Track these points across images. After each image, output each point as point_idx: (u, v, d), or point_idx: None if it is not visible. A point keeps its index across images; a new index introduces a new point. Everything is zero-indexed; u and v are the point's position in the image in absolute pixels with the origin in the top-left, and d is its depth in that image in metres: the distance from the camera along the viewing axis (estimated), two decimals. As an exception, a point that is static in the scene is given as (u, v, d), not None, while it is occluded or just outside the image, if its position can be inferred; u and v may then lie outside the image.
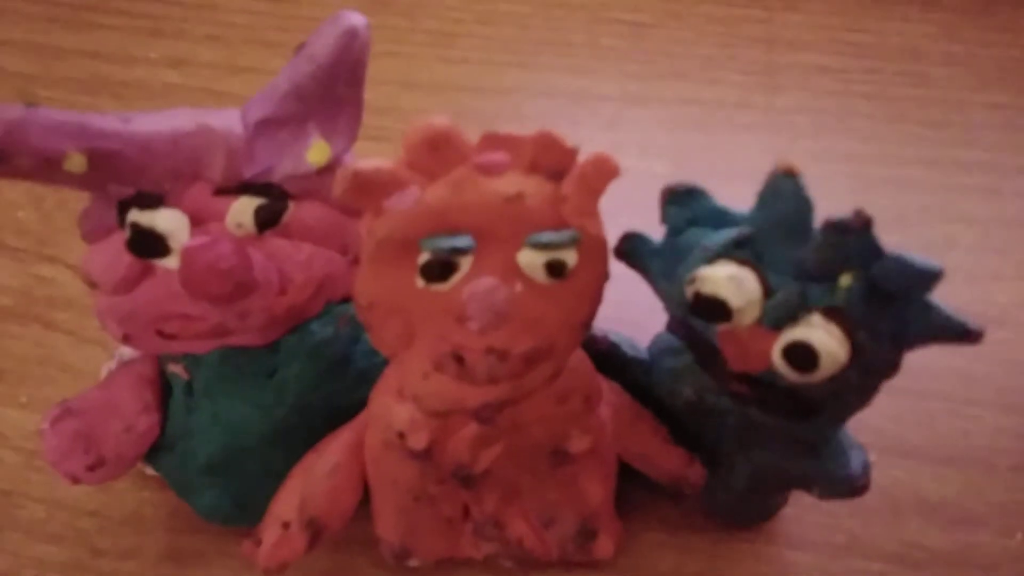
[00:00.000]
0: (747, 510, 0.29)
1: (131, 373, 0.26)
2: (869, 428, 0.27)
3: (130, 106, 0.44)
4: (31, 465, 0.31)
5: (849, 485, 0.25)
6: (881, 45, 0.47)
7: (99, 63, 0.46)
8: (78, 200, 0.22)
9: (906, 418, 0.33)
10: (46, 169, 0.19)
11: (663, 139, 0.42)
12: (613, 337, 0.27)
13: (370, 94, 0.23)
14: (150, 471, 0.29)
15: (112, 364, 0.27)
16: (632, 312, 0.27)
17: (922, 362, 0.34)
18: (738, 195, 0.22)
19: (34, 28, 0.48)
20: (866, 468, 0.25)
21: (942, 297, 0.20)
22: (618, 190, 0.23)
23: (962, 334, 0.20)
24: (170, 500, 0.30)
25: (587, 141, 0.21)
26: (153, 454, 0.27)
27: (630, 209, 0.25)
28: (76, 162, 0.19)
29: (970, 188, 0.40)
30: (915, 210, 0.39)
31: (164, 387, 0.26)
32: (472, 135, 0.20)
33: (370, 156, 0.19)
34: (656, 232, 0.24)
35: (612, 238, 0.24)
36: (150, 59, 0.46)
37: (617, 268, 0.23)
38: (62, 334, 0.34)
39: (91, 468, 0.25)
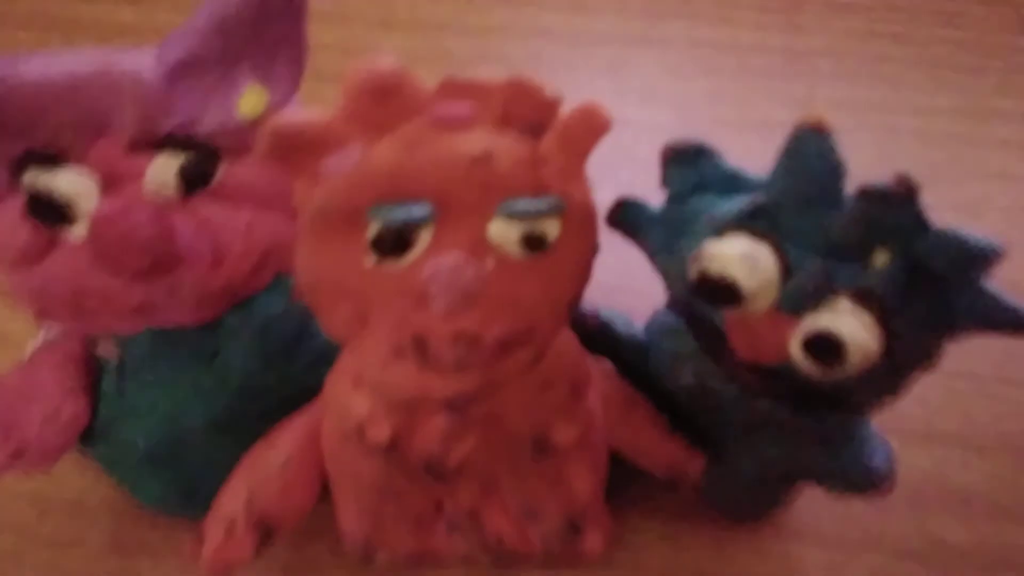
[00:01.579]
0: (751, 503, 0.26)
1: (55, 353, 0.23)
2: (891, 410, 0.23)
3: (81, 45, 0.40)
4: (-35, 446, 0.28)
5: (870, 483, 0.22)
6: (911, -20, 0.43)
7: (50, 1, 0.42)
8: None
9: (932, 400, 0.30)
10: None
11: (668, 85, 0.38)
12: (604, 315, 0.24)
13: (342, 33, 0.20)
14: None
15: (38, 341, 0.24)
16: (633, 281, 0.24)
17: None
18: (750, 149, 0.19)
19: (-21, -41, 0.43)
20: (891, 463, 0.23)
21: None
22: (617, 142, 0.20)
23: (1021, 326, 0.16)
24: (115, 485, 0.27)
25: (584, 87, 0.17)
26: (87, 440, 0.24)
27: (630, 164, 0.22)
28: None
29: (1008, 142, 0.36)
30: (946, 165, 0.36)
31: (95, 367, 0.23)
32: (431, 80, 0.16)
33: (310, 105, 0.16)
34: (658, 193, 0.20)
35: (608, 198, 0.20)
36: (104, -5, 0.42)
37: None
38: (-1, 299, 0.32)
39: (13, 457, 0.22)
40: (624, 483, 0.26)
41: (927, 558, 0.26)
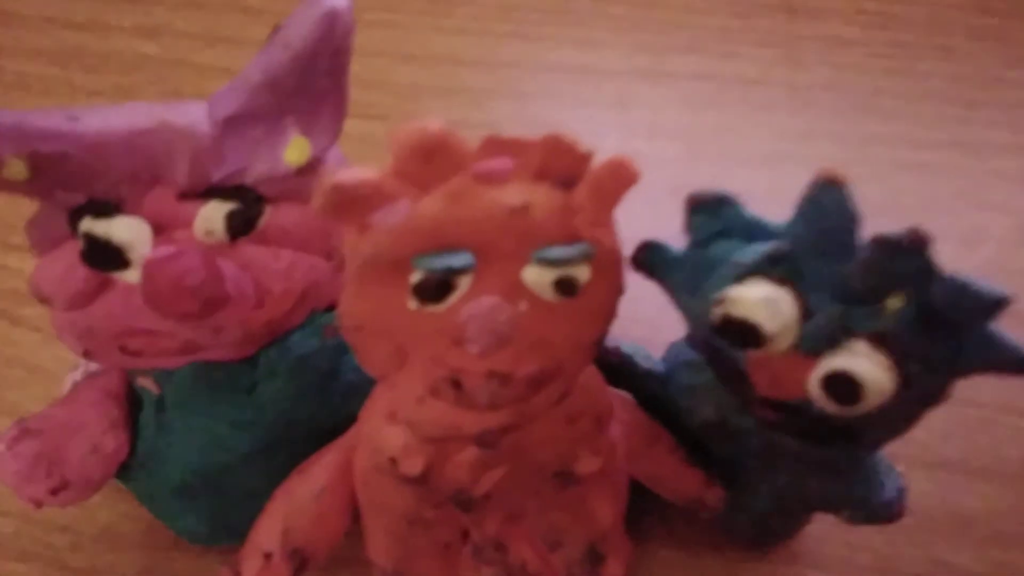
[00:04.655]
0: (767, 532, 0.27)
1: (96, 387, 0.23)
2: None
3: (103, 78, 0.41)
4: (-2, 476, 0.29)
5: (881, 512, 0.23)
6: (908, 16, 0.44)
7: (69, 32, 0.43)
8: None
9: (938, 427, 0.30)
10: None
11: (675, 119, 0.39)
12: (626, 348, 0.25)
13: (360, 67, 0.20)
14: (125, 484, 0.27)
15: (77, 374, 0.25)
16: (645, 311, 0.25)
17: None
18: (754, 179, 0.20)
19: (1, -6, 0.44)
20: (901, 494, 0.23)
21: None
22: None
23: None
24: (147, 515, 0.28)
25: (592, 120, 0.18)
26: (124, 472, 0.25)
27: (639, 195, 0.22)
28: (16, 169, 0.17)
29: (1004, 173, 0.37)
30: (944, 197, 0.37)
31: (133, 401, 0.24)
32: (470, 136, 0.17)
33: (358, 147, 0.17)
34: (668, 222, 0.21)
35: (619, 228, 0.21)
36: (124, 28, 0.43)
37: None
38: (29, 331, 0.32)
39: (55, 491, 0.23)
40: (644, 512, 0.27)
41: (934, 581, 0.27)
